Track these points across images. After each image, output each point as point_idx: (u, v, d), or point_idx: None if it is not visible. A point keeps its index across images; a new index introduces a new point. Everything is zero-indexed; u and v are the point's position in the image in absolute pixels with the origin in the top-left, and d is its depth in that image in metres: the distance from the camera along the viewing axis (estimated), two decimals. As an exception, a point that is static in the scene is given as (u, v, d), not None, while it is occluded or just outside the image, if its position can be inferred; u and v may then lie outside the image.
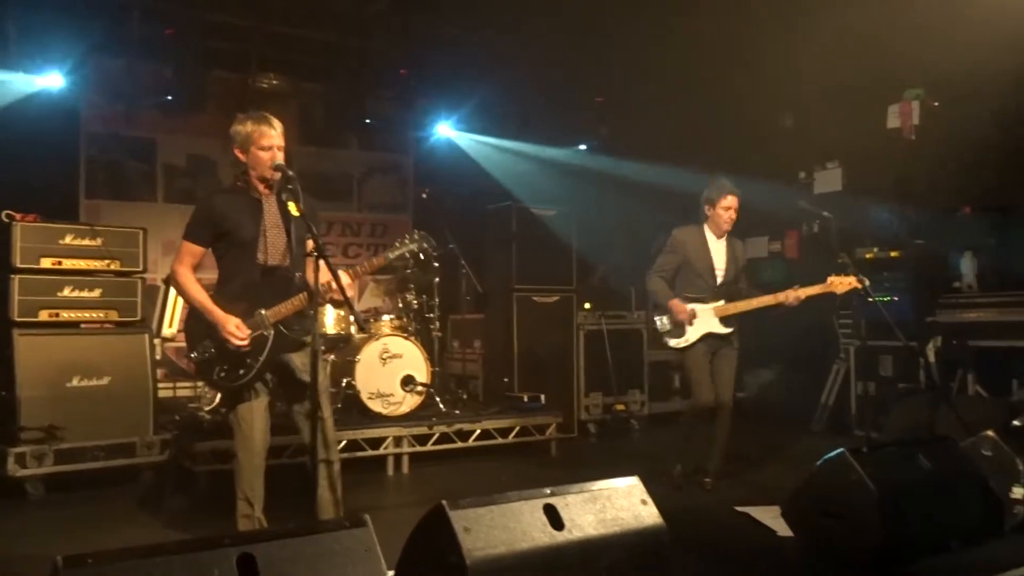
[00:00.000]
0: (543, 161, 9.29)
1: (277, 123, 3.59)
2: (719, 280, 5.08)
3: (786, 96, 7.89)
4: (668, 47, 7.30)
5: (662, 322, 5.11)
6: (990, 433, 3.88)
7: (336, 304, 3.60)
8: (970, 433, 4.21)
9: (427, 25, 7.41)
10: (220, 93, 7.88)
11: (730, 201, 5.06)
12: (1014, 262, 6.59)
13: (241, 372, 3.52)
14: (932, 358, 6.33)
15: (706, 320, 5.00)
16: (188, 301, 3.61)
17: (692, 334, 5.00)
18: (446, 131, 9.03)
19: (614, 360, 7.35)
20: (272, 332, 3.54)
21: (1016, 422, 5.13)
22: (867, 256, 7.08)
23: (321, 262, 3.27)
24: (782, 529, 3.86)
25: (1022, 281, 6.34)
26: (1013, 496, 3.69)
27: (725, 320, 5.01)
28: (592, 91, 8.82)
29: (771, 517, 4.13)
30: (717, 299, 5.03)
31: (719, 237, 5.14)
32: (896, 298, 6.76)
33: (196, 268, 3.63)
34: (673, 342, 5.07)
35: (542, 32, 7.16)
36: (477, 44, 7.52)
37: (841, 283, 4.82)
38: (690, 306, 4.98)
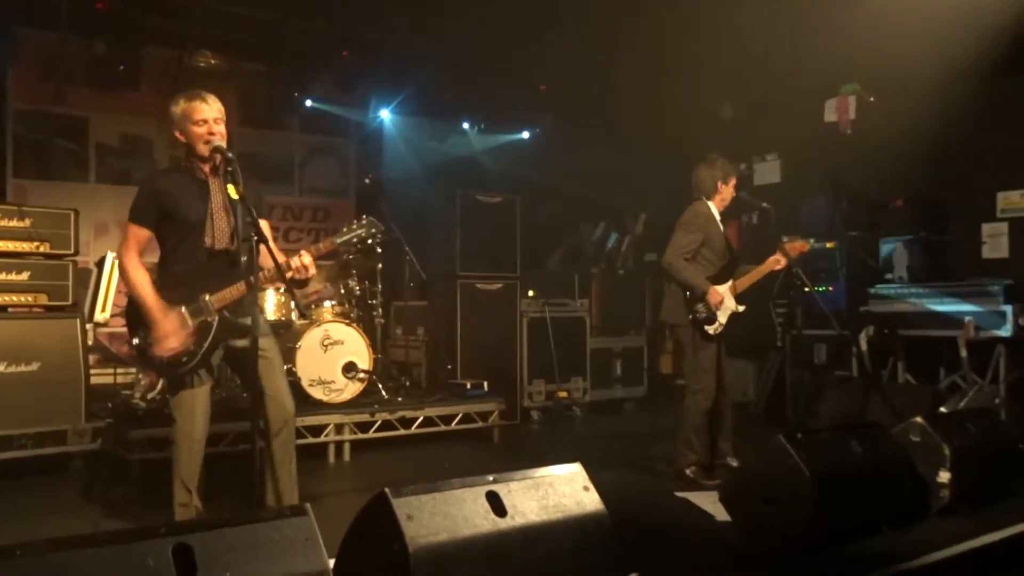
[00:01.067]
0: (487, 148, 9.29)
1: (213, 99, 3.50)
2: (727, 257, 5.05)
3: (726, 88, 8.01)
4: (611, 36, 7.33)
5: (701, 309, 4.91)
6: (918, 419, 4.00)
7: (299, 284, 3.53)
8: (900, 419, 4.34)
9: (369, 6, 7.30)
10: (156, 71, 7.67)
11: (735, 181, 5.10)
12: (944, 255, 6.82)
13: (184, 359, 3.44)
14: (864, 347, 6.51)
15: (728, 301, 4.94)
16: (131, 293, 3.48)
17: (722, 317, 4.92)
18: (387, 115, 8.94)
19: (557, 348, 7.39)
20: (216, 318, 3.47)
21: (943, 408, 5.32)
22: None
23: (263, 247, 3.21)
24: (720, 514, 3.92)
25: (950, 273, 6.57)
26: (939, 480, 3.81)
27: (738, 298, 4.97)
28: (536, 79, 8.82)
29: (710, 502, 4.19)
30: (728, 278, 4.98)
31: (720, 212, 5.10)
32: (831, 288, 6.94)
33: (142, 253, 3.53)
34: (711, 329, 4.91)
35: (487, 17, 7.13)
36: (419, 26, 7.44)
37: (793, 247, 4.96)
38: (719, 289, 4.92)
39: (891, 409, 4.94)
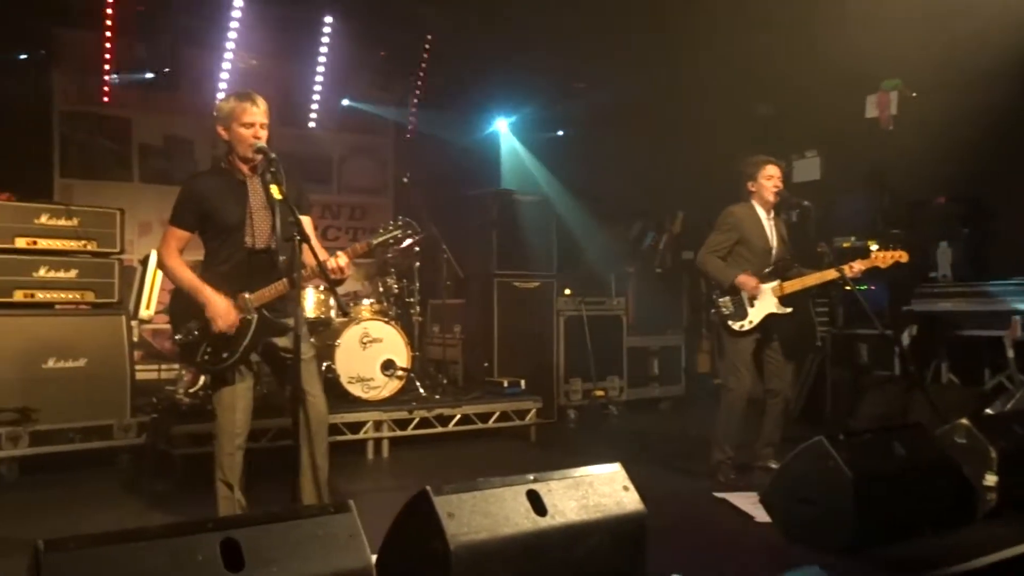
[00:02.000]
0: (523, 146, 9.30)
1: (261, 101, 3.54)
2: (772, 258, 4.95)
3: (765, 85, 7.92)
4: (648, 33, 7.30)
5: (725, 303, 4.89)
6: (964, 421, 3.94)
7: (335, 282, 3.59)
8: (944, 421, 4.28)
9: (404, 5, 7.35)
10: (198, 72, 7.78)
11: (771, 171, 4.97)
12: (988, 252, 6.69)
13: (225, 355, 3.50)
14: (907, 346, 6.41)
15: (767, 301, 4.86)
16: (179, 285, 3.55)
17: (755, 315, 4.84)
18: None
19: (593, 346, 7.37)
20: (256, 316, 3.52)
21: (989, 410, 5.22)
22: (844, 245, 7.13)
23: (306, 246, 3.25)
24: (760, 515, 3.90)
25: (995, 271, 6.43)
26: (985, 483, 3.75)
27: (784, 300, 4.87)
28: (573, 76, 8.81)
29: (750, 503, 4.17)
30: (773, 279, 4.89)
31: (767, 212, 5.02)
32: (872, 287, 6.84)
33: (182, 252, 3.60)
34: (736, 325, 4.86)
35: (521, 16, 7.14)
36: (453, 25, 7.47)
37: (885, 257, 4.80)
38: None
39: (935, 410, 4.86)
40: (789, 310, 4.88)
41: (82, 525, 3.93)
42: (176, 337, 3.57)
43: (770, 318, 4.88)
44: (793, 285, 4.86)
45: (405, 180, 6.88)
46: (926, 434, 3.85)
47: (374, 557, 2.35)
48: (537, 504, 2.57)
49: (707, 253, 4.98)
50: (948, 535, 3.51)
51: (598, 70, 8.27)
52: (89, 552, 1.91)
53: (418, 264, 6.56)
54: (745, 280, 4.83)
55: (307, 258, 3.35)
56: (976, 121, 6.21)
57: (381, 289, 6.55)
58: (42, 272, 5.11)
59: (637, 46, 7.47)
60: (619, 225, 9.14)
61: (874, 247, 4.90)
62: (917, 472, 3.56)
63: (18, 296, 5.03)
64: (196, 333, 3.50)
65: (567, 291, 7.49)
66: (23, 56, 6.77)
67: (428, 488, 2.41)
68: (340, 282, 3.62)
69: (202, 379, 5.38)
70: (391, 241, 3.68)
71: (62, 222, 5.21)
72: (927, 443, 3.78)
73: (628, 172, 8.63)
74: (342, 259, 3.48)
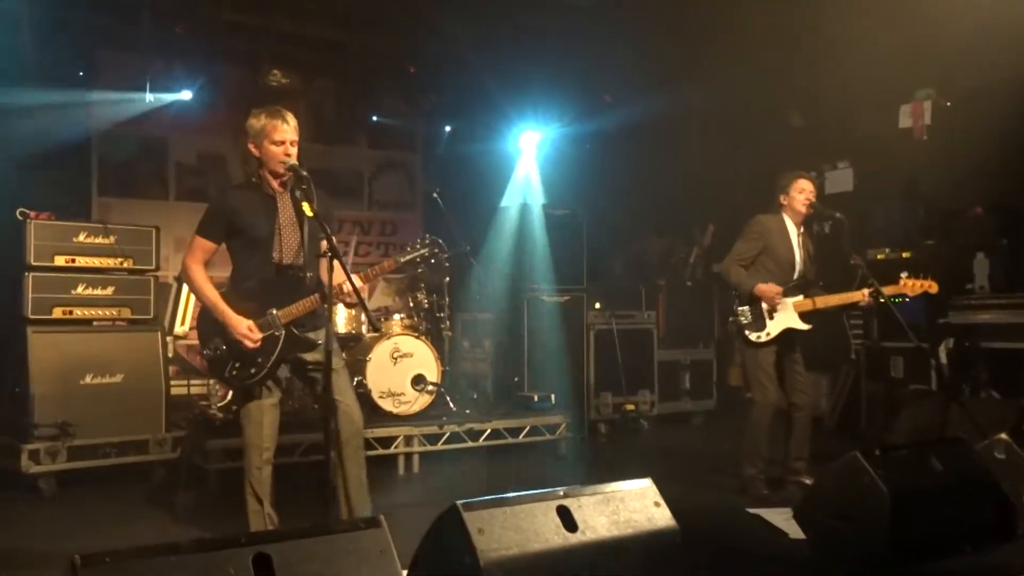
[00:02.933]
0: (552, 159, 9.28)
1: (291, 118, 3.59)
2: (796, 273, 4.93)
3: (797, 96, 7.87)
4: (679, 45, 7.29)
5: (744, 312, 4.87)
6: (1003, 436, 3.86)
7: (349, 305, 3.62)
8: (983, 435, 4.19)
9: (435, 21, 7.40)
10: (231, 91, 7.90)
11: (803, 184, 4.95)
12: (1026, 264, 6.56)
13: (252, 371, 3.54)
14: (944, 359, 6.30)
15: (787, 315, 4.83)
16: (198, 297, 3.62)
17: (773, 328, 4.82)
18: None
19: (624, 360, 7.34)
20: (284, 332, 3.56)
21: (1028, 424, 5.10)
22: (879, 257, 7.05)
23: (336, 263, 3.28)
24: (794, 531, 3.85)
25: (1035, 283, 6.31)
26: (1026, 499, 3.67)
27: (804, 316, 4.85)
28: (601, 88, 8.81)
29: (783, 519, 4.12)
30: (795, 294, 4.87)
31: (797, 225, 5.00)
32: (907, 299, 6.74)
33: (207, 264, 3.65)
34: (753, 336, 4.84)
35: (547, 30, 7.16)
36: (479, 39, 7.49)
37: (914, 286, 4.78)
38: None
39: (973, 425, 4.76)
40: (809, 327, 4.85)
41: (118, 539, 3.98)
42: (204, 352, 3.63)
43: (789, 332, 4.85)
44: (817, 303, 4.83)
45: (435, 195, 6.92)
46: (965, 449, 3.77)
47: (404, 572, 2.35)
48: (567, 520, 2.56)
49: (731, 261, 4.98)
50: (987, 552, 3.43)
51: (628, 84, 8.27)
52: (124, 566, 1.93)
53: (448, 279, 6.58)
54: (765, 289, 4.80)
55: (338, 275, 3.38)
56: (1012, 130, 6.12)
57: (411, 304, 6.59)
58: (80, 289, 5.21)
59: (668, 60, 7.46)
60: (650, 238, 9.11)
61: (904, 275, 4.82)
62: (955, 488, 3.49)
63: (57, 313, 5.12)
64: (223, 348, 3.55)
65: (597, 305, 7.47)
66: (63, 76, 6.92)
67: (458, 504, 2.41)
68: (352, 305, 3.64)
69: (229, 394, 5.43)
70: (418, 259, 3.72)
71: (99, 240, 5.31)
72: (966, 458, 3.70)
73: (658, 185, 8.60)
74: (357, 281, 3.46)
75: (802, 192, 4.95)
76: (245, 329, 3.49)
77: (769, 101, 7.79)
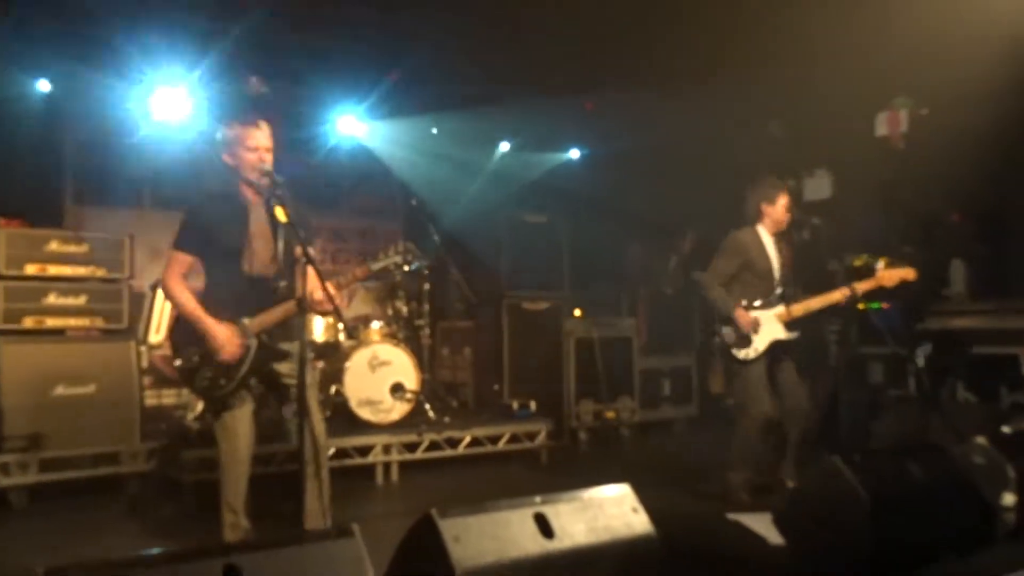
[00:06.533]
0: (532, 167, 9.28)
1: (265, 126, 3.57)
2: (776, 283, 4.92)
3: (775, 103, 7.91)
4: (656, 53, 7.30)
5: (728, 333, 4.84)
6: (981, 440, 3.87)
7: (323, 314, 3.59)
8: (960, 440, 4.21)
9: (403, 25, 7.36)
10: (208, 99, 7.82)
11: (787, 198, 4.97)
12: (1003, 269, 6.62)
13: (222, 382, 3.49)
14: (922, 365, 6.34)
15: (771, 327, 4.81)
16: (181, 312, 3.56)
17: (760, 343, 4.79)
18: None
19: (604, 367, 7.32)
20: (255, 342, 3.52)
21: (1006, 428, 5.13)
22: (856, 263, 7.06)
23: (310, 270, 3.24)
24: (773, 537, 3.84)
25: (1011, 288, 6.37)
26: (1004, 503, 3.68)
27: (789, 325, 4.84)
28: (582, 97, 8.81)
29: (763, 525, 4.11)
30: (777, 304, 4.85)
31: (772, 235, 4.99)
32: (885, 305, 6.77)
33: (187, 277, 3.60)
34: (741, 354, 4.81)
35: (526, 38, 7.14)
36: (461, 47, 7.46)
37: (891, 276, 4.75)
38: (752, 314, 4.80)
39: (951, 429, 4.79)
40: (795, 335, 4.84)
41: (89, 552, 3.91)
42: (176, 363, 3.57)
43: (777, 344, 4.83)
44: (798, 310, 4.82)
45: (414, 203, 6.89)
46: (943, 454, 3.78)
47: (379, 583, 2.31)
48: (544, 527, 2.53)
49: (711, 281, 4.93)
50: (966, 556, 3.43)
51: (608, 91, 8.28)
52: (90, 579, 1.88)
53: (427, 287, 6.55)
54: (740, 316, 4.78)
55: (312, 284, 3.34)
56: (989, 137, 6.17)
57: (390, 312, 6.55)
58: (52, 299, 5.14)
59: (647, 67, 7.46)
60: (630, 246, 9.12)
61: (879, 265, 4.81)
62: (934, 492, 3.50)
63: (28, 323, 5.05)
64: (196, 359, 3.50)
65: (577, 312, 7.45)
66: (34, 84, 6.83)
67: (433, 512, 2.38)
68: (326, 313, 3.61)
69: (200, 405, 5.36)
70: (391, 266, 3.70)
71: (72, 248, 5.24)
72: (944, 463, 3.70)
73: (638, 193, 8.60)
74: (331, 290, 3.43)
75: (786, 207, 4.97)
76: (224, 339, 3.44)
77: (748, 109, 7.82)
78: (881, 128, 7.45)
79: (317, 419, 3.66)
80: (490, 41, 7.15)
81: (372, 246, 9.03)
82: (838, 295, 4.80)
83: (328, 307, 3.42)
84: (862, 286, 4.77)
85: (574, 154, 9.60)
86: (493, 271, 7.13)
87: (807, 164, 8.09)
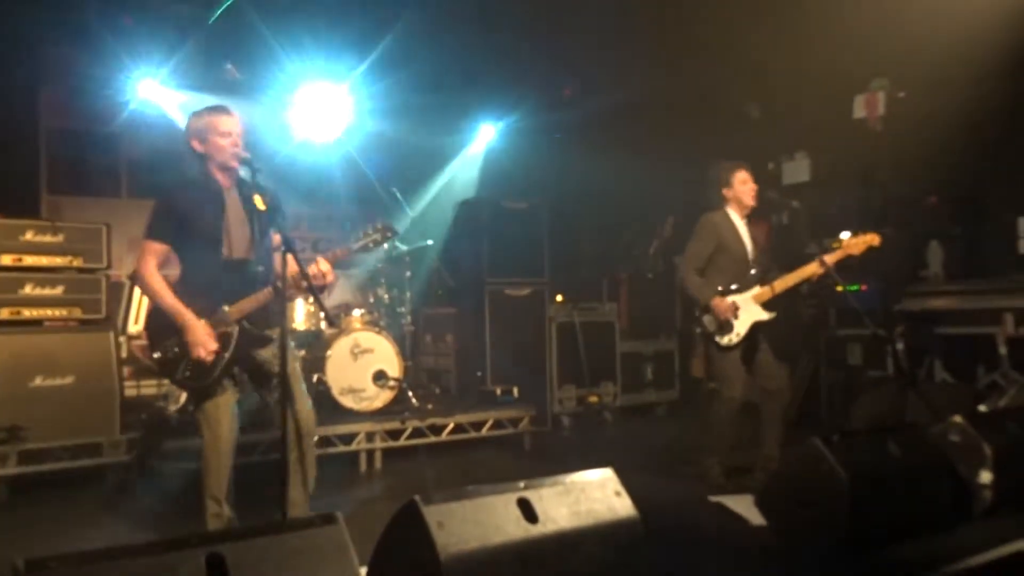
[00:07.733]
0: (511, 152, 9.26)
1: (236, 112, 3.55)
2: (750, 265, 4.93)
3: (753, 86, 7.93)
4: (634, 36, 7.29)
5: (709, 321, 4.84)
6: (958, 419, 3.92)
7: (319, 290, 3.57)
8: (938, 419, 4.25)
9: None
10: (185, 86, 7.74)
11: (744, 175, 4.95)
12: (979, 251, 6.69)
13: (204, 372, 3.46)
14: (900, 346, 6.40)
15: (750, 310, 4.82)
16: (160, 305, 3.50)
17: (741, 327, 4.79)
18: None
19: (586, 352, 7.34)
20: (236, 328, 3.49)
21: (982, 407, 5.20)
22: (834, 245, 7.12)
23: (290, 256, 3.23)
24: (755, 518, 3.87)
25: (987, 269, 6.44)
26: (980, 481, 3.73)
27: (767, 305, 4.85)
28: (560, 82, 8.79)
29: (744, 506, 4.14)
30: (753, 285, 4.86)
31: (743, 217, 4.99)
32: (863, 287, 6.83)
33: (162, 266, 3.56)
34: (724, 340, 4.81)
35: (505, 22, 7.11)
36: (440, 28, 7.40)
37: (857, 243, 4.79)
38: (729, 299, 4.80)
39: (929, 409, 4.84)
40: (774, 314, 4.86)
41: (71, 545, 3.87)
42: (155, 355, 3.53)
43: (756, 326, 4.86)
44: (776, 288, 4.84)
45: (395, 191, 6.85)
46: (921, 433, 3.82)
47: (364, 570, 2.31)
48: (528, 511, 2.54)
49: (688, 268, 4.94)
50: (944, 534, 3.48)
51: (586, 76, 8.26)
52: (70, 571, 1.87)
53: (409, 274, 6.53)
54: (717, 305, 4.79)
55: (290, 269, 3.33)
56: (966, 120, 6.21)
57: (372, 299, 6.53)
58: (28, 289, 5.07)
59: (624, 51, 7.45)
60: (610, 230, 9.13)
61: (844, 235, 4.88)
62: (912, 472, 3.54)
63: (4, 314, 4.98)
64: (176, 350, 3.46)
65: (559, 297, 7.46)
66: (10, 73, 6.73)
67: (417, 498, 2.37)
68: (324, 288, 3.61)
69: (183, 395, 5.33)
70: (371, 245, 3.70)
71: (47, 238, 5.17)
72: (922, 442, 3.75)
73: (618, 177, 8.60)
74: (323, 264, 3.48)
75: (745, 183, 4.95)
76: (203, 336, 3.40)
77: (725, 92, 7.83)
78: (859, 110, 7.49)
79: (304, 404, 3.64)
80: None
81: (353, 233, 8.99)
82: (811, 268, 4.84)
83: (324, 281, 3.45)
84: (831, 257, 4.83)
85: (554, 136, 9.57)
86: (474, 257, 7.11)
87: (787, 148, 8.12)
